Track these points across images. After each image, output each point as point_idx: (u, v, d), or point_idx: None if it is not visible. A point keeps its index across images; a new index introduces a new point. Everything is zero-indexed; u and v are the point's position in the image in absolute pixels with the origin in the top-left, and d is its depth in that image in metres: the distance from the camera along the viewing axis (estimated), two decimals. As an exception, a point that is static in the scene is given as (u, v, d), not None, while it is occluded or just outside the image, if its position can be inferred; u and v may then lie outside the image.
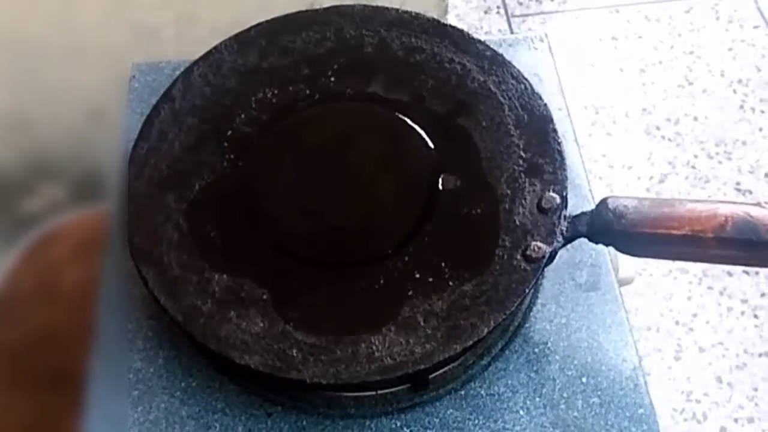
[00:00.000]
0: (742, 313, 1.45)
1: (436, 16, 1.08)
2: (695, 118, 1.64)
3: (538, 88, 0.69)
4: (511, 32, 1.71)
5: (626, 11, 1.76)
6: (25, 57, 1.04)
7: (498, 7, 1.75)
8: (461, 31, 0.69)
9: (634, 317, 1.45)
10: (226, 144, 0.65)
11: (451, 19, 1.69)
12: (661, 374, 1.40)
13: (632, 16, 1.75)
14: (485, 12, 1.74)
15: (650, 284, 1.49)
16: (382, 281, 0.60)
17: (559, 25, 1.75)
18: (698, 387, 1.37)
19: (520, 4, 1.76)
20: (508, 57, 0.71)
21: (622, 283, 0.72)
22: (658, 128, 1.64)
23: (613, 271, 0.70)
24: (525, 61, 0.70)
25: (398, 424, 0.61)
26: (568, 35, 1.73)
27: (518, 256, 0.60)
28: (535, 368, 0.63)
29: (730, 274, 1.48)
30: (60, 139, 1.13)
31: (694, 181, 1.58)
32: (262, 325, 0.58)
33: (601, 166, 1.61)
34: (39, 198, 1.15)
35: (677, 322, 1.45)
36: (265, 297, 0.59)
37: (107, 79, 0.86)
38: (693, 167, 1.59)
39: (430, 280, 0.60)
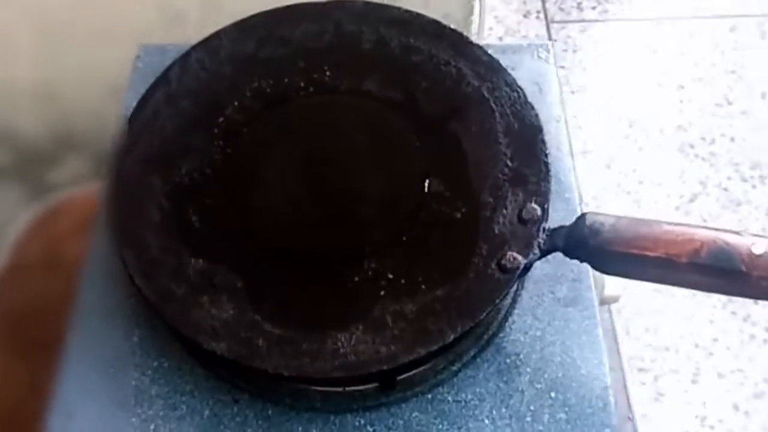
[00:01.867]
0: (765, 341, 1.42)
1: (461, 16, 1.08)
2: (732, 139, 1.62)
3: (536, 97, 0.69)
4: (550, 38, 1.70)
5: (669, 25, 1.74)
6: (54, 34, 1.06)
7: (538, 12, 1.74)
8: (460, 34, 0.68)
9: (652, 336, 1.44)
10: (216, 130, 0.65)
11: (489, 21, 1.68)
12: (676, 397, 1.38)
13: (675, 30, 1.73)
14: (524, 16, 1.73)
15: (671, 304, 1.46)
16: (356, 279, 0.60)
17: (599, 34, 1.73)
18: (714, 413, 1.35)
19: (561, 9, 1.75)
20: (511, 64, 0.70)
21: (608, 301, 0.71)
22: (692, 146, 1.61)
23: (597, 288, 0.69)
24: (527, 69, 0.70)
25: (362, 422, 0.61)
26: (607, 45, 1.71)
27: (493, 265, 0.60)
28: (504, 378, 0.63)
29: (755, 301, 1.45)
30: (85, 114, 1.15)
31: (725, 203, 1.56)
32: (232, 312, 0.59)
33: (630, 180, 1.59)
34: (64, 169, 1.18)
35: (697, 345, 1.43)
36: (238, 285, 0.60)
37: (131, 58, 0.87)
38: (725, 189, 1.56)
39: (403, 282, 0.60)
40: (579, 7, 1.75)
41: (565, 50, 1.69)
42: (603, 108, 1.63)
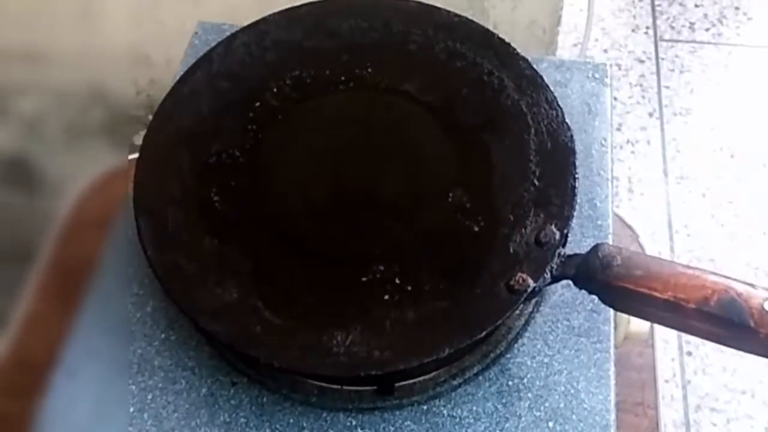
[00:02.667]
0: None
1: (549, 25, 1.06)
2: (840, 183, 1.53)
3: (584, 117, 0.66)
4: (657, 56, 1.64)
5: (786, 55, 1.66)
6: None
7: (647, 28, 1.68)
8: (507, 44, 0.67)
9: (730, 377, 1.38)
10: (251, 115, 0.66)
11: (596, 33, 1.63)
12: (748, 443, 1.33)
13: (791, 61, 1.65)
14: (633, 30, 1.67)
15: (755, 346, 1.40)
16: (363, 280, 0.60)
17: (710, 57, 1.66)
18: (786, 465, 1.29)
19: (672, 27, 1.68)
20: (563, 80, 0.68)
21: (633, 336, 0.68)
22: (796, 185, 1.53)
23: (622, 322, 0.66)
24: (579, 87, 0.68)
25: (353, 423, 0.61)
26: (717, 69, 1.64)
27: (501, 285, 0.58)
28: (504, 401, 0.61)
29: None
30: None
31: (824, 251, 1.48)
32: (235, 296, 0.59)
33: (725, 212, 1.52)
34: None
35: (777, 393, 1.36)
36: (246, 270, 0.60)
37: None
38: (826, 235, 1.49)
39: (409, 288, 0.59)
40: (691, 27, 1.69)
41: (672, 70, 1.63)
42: (705, 134, 1.57)
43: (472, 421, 0.60)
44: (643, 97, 1.62)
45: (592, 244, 0.58)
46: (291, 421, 0.61)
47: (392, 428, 0.61)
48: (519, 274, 0.58)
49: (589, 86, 0.71)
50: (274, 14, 0.69)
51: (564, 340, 0.63)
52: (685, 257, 1.45)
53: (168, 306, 0.65)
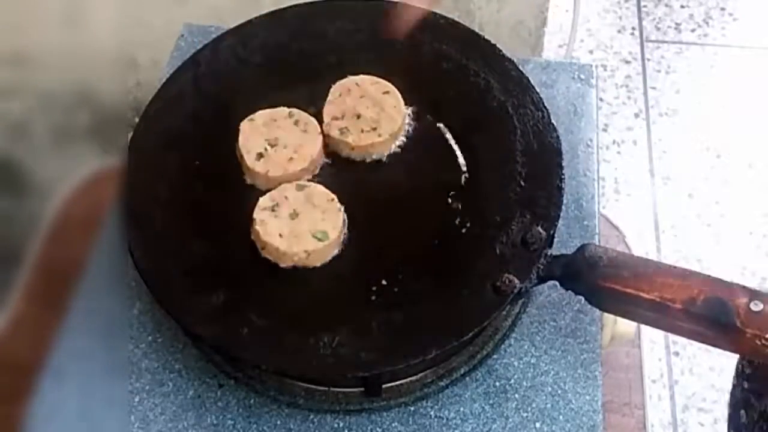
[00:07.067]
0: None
1: (534, 26, 1.06)
2: (826, 182, 1.54)
3: (570, 118, 0.67)
4: (643, 57, 1.65)
5: (771, 56, 1.66)
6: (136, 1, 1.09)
7: (633, 29, 1.68)
8: (493, 45, 0.67)
9: (717, 377, 1.38)
10: (238, 116, 0.66)
11: (581, 34, 1.64)
12: (735, 441, 1.32)
13: (777, 62, 1.66)
14: (618, 31, 1.68)
15: (740, 346, 1.40)
16: (350, 281, 0.60)
17: (696, 57, 1.66)
18: (773, 464, 1.29)
19: (657, 29, 1.69)
20: (549, 81, 0.68)
21: (620, 337, 0.68)
22: (782, 185, 1.54)
23: (608, 322, 0.67)
24: (565, 88, 0.68)
25: (341, 424, 0.61)
26: (703, 70, 1.65)
27: (488, 286, 0.58)
28: (491, 401, 0.61)
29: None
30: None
31: (811, 248, 1.48)
32: (223, 298, 0.59)
33: (711, 213, 1.53)
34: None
35: (762, 392, 1.36)
36: (234, 271, 0.60)
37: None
38: (815, 234, 1.49)
39: (396, 290, 0.59)
40: (677, 27, 1.69)
41: (658, 71, 1.64)
42: (691, 135, 1.58)
43: (459, 422, 0.61)
44: (629, 97, 1.63)
45: (579, 245, 0.59)
46: (278, 423, 0.61)
47: (379, 430, 0.61)
48: (505, 275, 0.58)
49: (574, 87, 0.71)
50: (261, 16, 0.69)
51: (551, 341, 0.63)
52: (671, 257, 1.45)
53: (155, 308, 0.65)
